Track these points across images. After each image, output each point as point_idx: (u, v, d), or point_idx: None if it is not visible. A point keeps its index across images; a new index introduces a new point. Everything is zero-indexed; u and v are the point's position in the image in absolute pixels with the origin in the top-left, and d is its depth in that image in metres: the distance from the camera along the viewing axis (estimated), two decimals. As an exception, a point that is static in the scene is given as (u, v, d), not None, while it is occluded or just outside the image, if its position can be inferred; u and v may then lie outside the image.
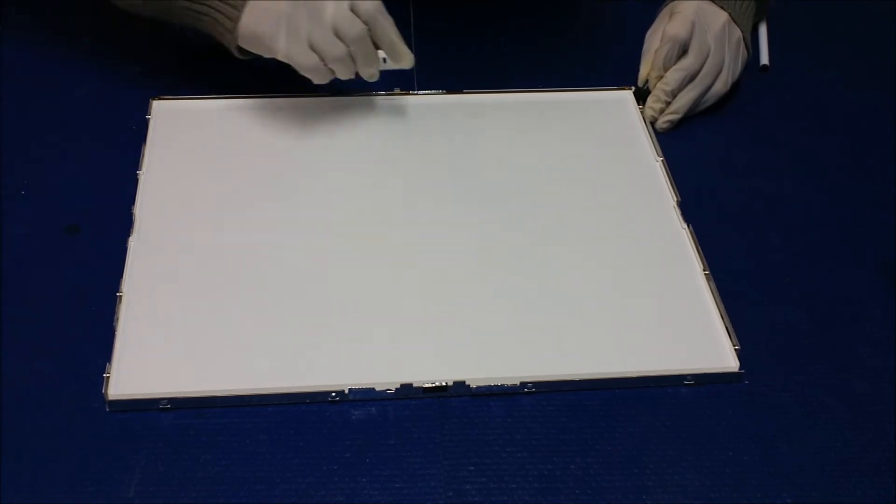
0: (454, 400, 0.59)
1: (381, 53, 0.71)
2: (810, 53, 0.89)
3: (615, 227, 0.69)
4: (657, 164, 0.74)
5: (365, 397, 0.58)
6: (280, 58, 0.68)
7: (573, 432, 0.58)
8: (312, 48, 0.68)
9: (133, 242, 0.65)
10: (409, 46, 0.71)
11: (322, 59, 0.68)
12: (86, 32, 0.84)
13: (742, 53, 0.79)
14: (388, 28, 0.70)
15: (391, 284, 0.64)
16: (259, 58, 0.71)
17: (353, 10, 0.68)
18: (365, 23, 0.68)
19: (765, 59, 0.86)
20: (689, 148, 0.77)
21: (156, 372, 0.58)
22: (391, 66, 0.72)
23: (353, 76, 0.71)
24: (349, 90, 0.78)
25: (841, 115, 0.82)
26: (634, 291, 0.65)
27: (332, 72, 0.70)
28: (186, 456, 0.55)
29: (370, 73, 0.71)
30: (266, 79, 0.71)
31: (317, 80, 0.70)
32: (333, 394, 0.58)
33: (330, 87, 0.75)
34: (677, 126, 0.78)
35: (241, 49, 0.71)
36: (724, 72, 0.78)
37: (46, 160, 0.72)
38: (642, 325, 0.63)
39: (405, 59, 0.72)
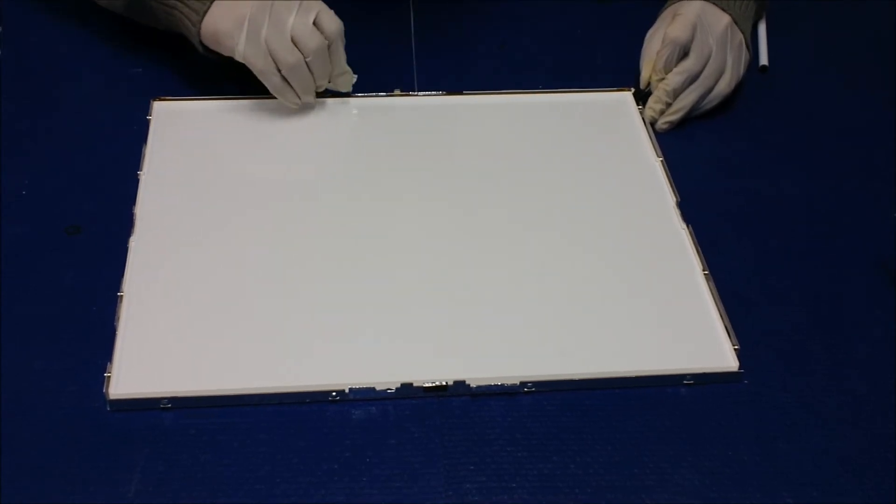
0: (454, 400, 0.59)
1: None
2: (810, 53, 0.89)
3: (615, 228, 0.69)
4: (657, 164, 0.74)
5: (365, 397, 0.58)
6: (237, 58, 0.70)
7: (573, 432, 0.58)
8: (270, 54, 0.69)
9: (133, 243, 0.65)
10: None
11: (277, 66, 0.70)
12: (86, 33, 0.84)
13: (744, 55, 0.79)
14: (342, 51, 0.73)
15: (391, 284, 0.64)
16: (220, 56, 0.72)
17: (316, 24, 0.70)
18: (326, 39, 0.71)
19: (764, 59, 0.86)
20: (689, 148, 0.77)
21: (156, 371, 0.58)
22: (331, 87, 0.75)
23: (311, 92, 0.73)
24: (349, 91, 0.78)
25: (841, 115, 0.82)
26: (634, 291, 0.65)
27: (288, 84, 0.72)
28: (186, 456, 0.55)
29: (320, 86, 0.74)
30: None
31: (275, 93, 0.72)
32: (333, 393, 0.58)
33: (329, 89, 0.76)
34: (677, 126, 0.78)
35: (204, 46, 0.72)
36: (727, 73, 0.78)
37: (47, 160, 0.72)
38: (642, 324, 0.63)
39: (347, 86, 0.76)
